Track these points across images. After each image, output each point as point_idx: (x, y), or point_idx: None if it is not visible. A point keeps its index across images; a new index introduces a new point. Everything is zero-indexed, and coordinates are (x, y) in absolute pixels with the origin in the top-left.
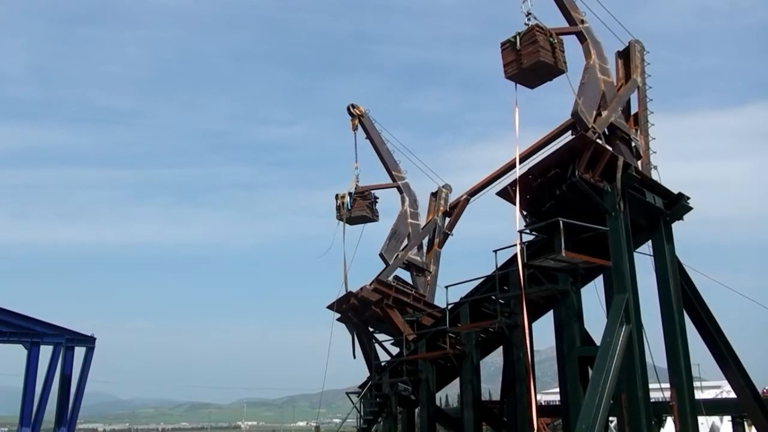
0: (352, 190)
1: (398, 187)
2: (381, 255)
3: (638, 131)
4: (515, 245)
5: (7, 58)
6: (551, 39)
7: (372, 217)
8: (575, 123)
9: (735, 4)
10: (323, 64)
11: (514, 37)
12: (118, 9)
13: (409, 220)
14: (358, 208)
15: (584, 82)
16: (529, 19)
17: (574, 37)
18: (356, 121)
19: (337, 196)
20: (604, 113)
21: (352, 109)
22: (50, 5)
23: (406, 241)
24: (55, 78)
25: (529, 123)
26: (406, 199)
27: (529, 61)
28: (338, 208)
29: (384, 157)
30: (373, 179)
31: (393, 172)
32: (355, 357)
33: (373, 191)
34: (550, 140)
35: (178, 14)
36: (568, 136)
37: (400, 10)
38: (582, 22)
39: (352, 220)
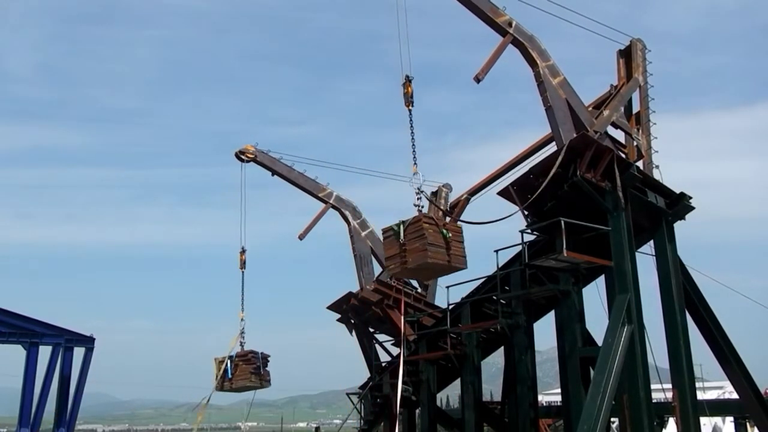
0: (233, 353)
1: (333, 206)
2: (361, 290)
3: (640, 130)
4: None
5: (15, 57)
6: (444, 231)
7: (259, 384)
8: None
9: (745, 4)
10: (333, 64)
11: (398, 225)
12: (127, 8)
13: (363, 234)
14: (240, 376)
15: (549, 104)
16: (419, 198)
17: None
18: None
19: (215, 360)
20: (606, 112)
21: (242, 156)
22: (58, 4)
23: (374, 261)
24: (63, 77)
25: (529, 123)
26: (347, 213)
27: (415, 261)
28: (217, 377)
29: (299, 183)
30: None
31: (318, 194)
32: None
33: (260, 352)
34: (533, 152)
35: (187, 14)
36: (551, 147)
37: (411, 8)
38: (510, 24)
39: (235, 390)
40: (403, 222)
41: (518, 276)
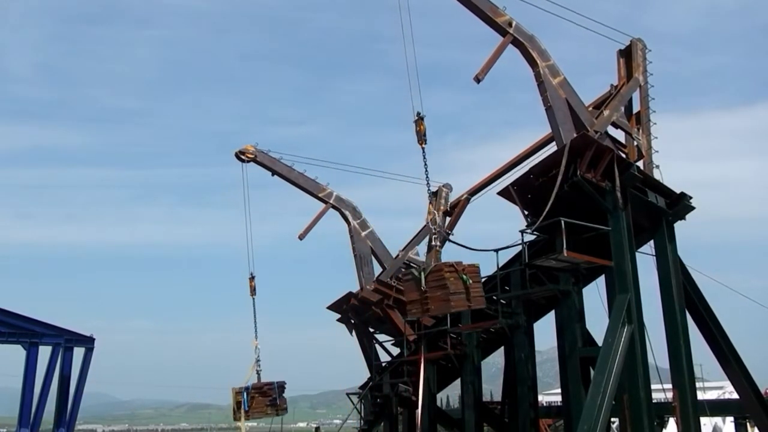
0: (249, 384)
1: (333, 206)
2: (361, 290)
3: (640, 130)
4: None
5: (15, 57)
6: (465, 277)
7: (276, 413)
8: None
9: (745, 4)
10: (333, 64)
11: (419, 271)
12: (127, 8)
13: (363, 234)
14: (256, 408)
15: (549, 104)
16: (437, 238)
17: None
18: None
19: (233, 390)
20: (606, 112)
21: (242, 156)
22: (58, 4)
23: (374, 261)
24: (63, 77)
25: (529, 123)
26: (347, 213)
27: (438, 309)
28: (234, 410)
29: (299, 183)
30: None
31: (318, 194)
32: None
33: (276, 382)
34: (533, 152)
35: (187, 14)
36: (551, 147)
37: (412, 8)
38: (510, 24)
39: (253, 419)
40: (424, 269)
41: (518, 276)
